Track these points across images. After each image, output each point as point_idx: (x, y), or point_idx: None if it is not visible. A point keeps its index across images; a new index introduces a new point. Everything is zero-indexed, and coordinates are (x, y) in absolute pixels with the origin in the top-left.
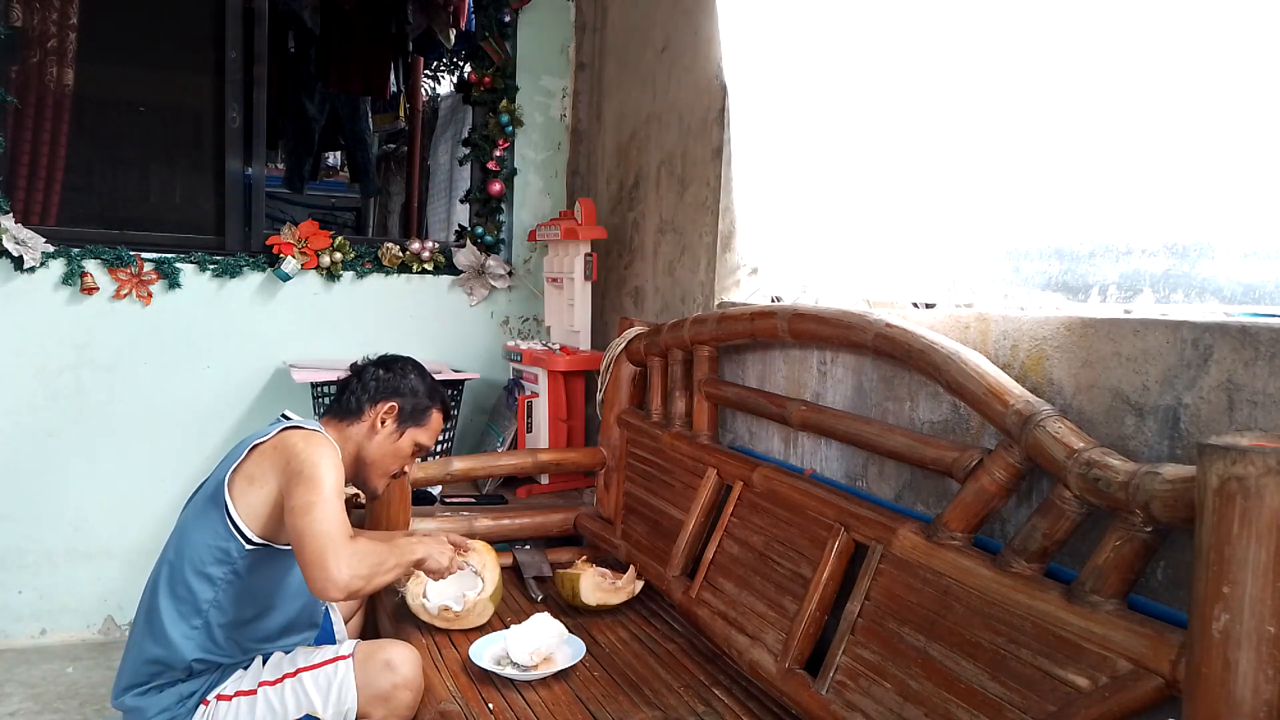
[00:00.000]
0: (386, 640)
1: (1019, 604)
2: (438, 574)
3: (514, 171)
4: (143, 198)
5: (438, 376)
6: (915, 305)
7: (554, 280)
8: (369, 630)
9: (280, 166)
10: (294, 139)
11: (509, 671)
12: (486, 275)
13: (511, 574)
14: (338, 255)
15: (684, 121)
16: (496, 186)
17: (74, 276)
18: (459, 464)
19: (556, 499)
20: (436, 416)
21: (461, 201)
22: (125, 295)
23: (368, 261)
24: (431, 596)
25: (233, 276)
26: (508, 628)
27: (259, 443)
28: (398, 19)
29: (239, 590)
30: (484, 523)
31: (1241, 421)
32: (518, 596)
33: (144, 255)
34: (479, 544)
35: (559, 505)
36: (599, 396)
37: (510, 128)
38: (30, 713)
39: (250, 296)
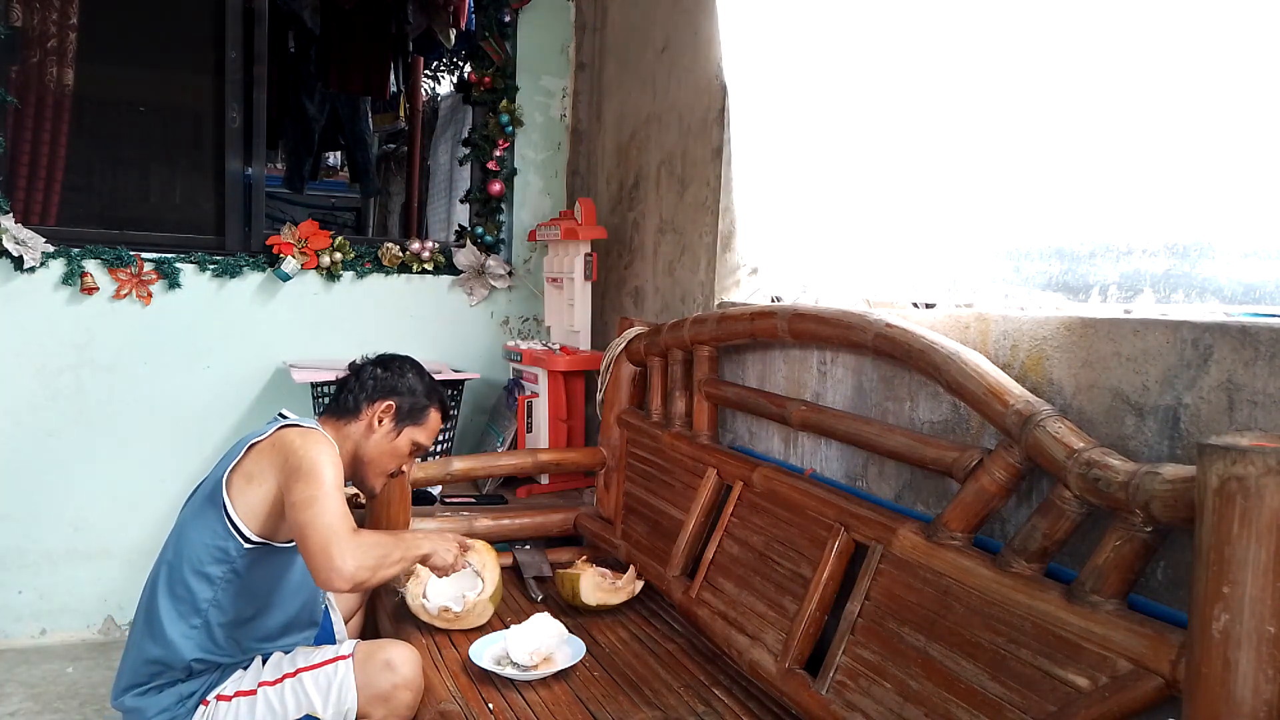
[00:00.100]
0: (386, 640)
1: (1019, 604)
2: (442, 571)
3: (514, 171)
4: (143, 198)
5: (438, 376)
6: (915, 305)
7: (554, 280)
8: (369, 630)
9: (280, 166)
10: (294, 139)
11: (509, 671)
12: (486, 275)
13: (511, 574)
14: (338, 255)
15: (684, 121)
16: (496, 186)
17: (74, 276)
18: (459, 464)
19: (556, 499)
20: (435, 416)
21: (461, 201)
22: (125, 295)
23: (368, 261)
24: (431, 597)
25: (233, 276)
26: (508, 628)
27: (256, 441)
28: (398, 19)
29: (238, 589)
30: (484, 523)
31: (1241, 421)
32: (518, 596)
33: (144, 255)
34: (479, 544)
35: (559, 505)
36: (599, 396)
37: (510, 128)
38: (30, 713)
39: (250, 296)
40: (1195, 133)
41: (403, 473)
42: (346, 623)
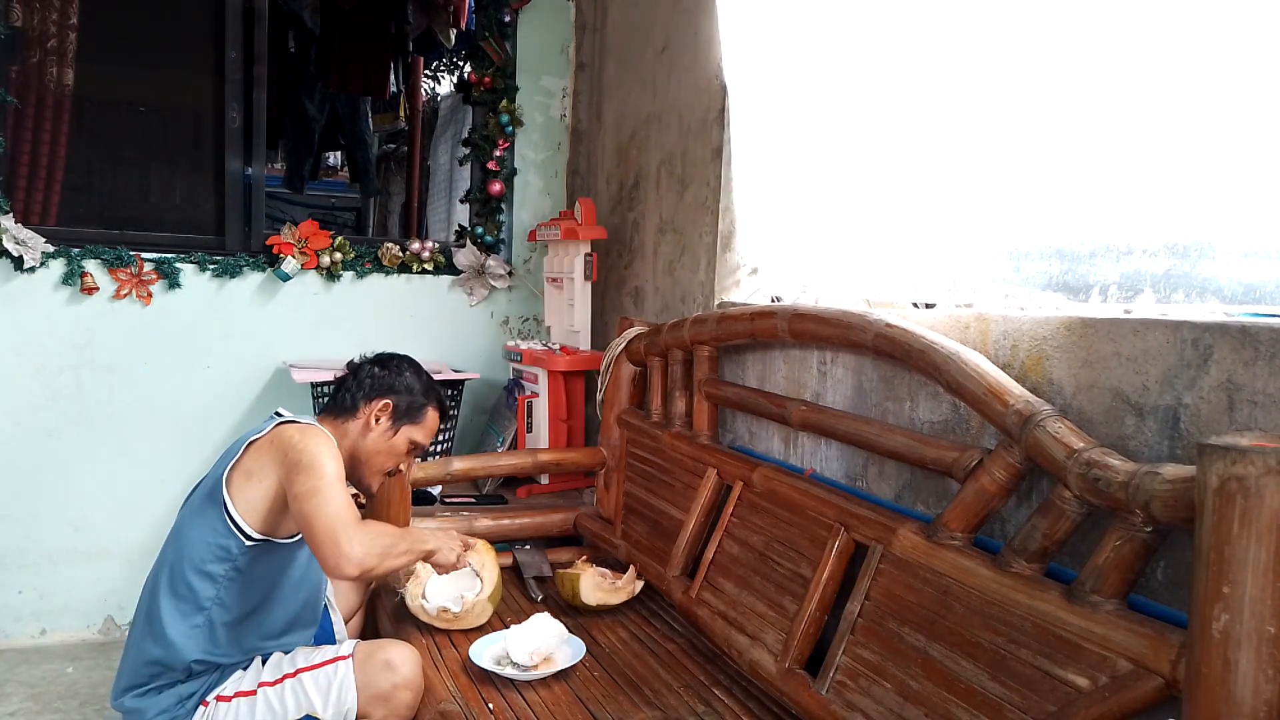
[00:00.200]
0: (386, 640)
1: (1019, 604)
2: (445, 569)
3: (514, 171)
4: (143, 198)
5: (438, 376)
6: (915, 305)
7: (554, 280)
8: (369, 630)
9: (280, 166)
10: (294, 139)
11: (509, 671)
12: (486, 275)
13: (511, 574)
14: (338, 255)
15: (684, 121)
16: (496, 186)
17: (74, 276)
18: (459, 464)
19: (556, 499)
20: (432, 415)
21: (461, 201)
22: (125, 295)
23: (368, 261)
24: (430, 597)
25: (233, 276)
26: (508, 628)
27: (255, 439)
28: (398, 19)
29: (241, 586)
30: (484, 523)
31: (1241, 421)
32: (518, 596)
33: (144, 255)
34: (479, 543)
35: (559, 505)
36: (599, 396)
37: (510, 128)
38: (30, 713)
39: (250, 296)
40: (1195, 133)
41: (400, 472)
42: (346, 623)
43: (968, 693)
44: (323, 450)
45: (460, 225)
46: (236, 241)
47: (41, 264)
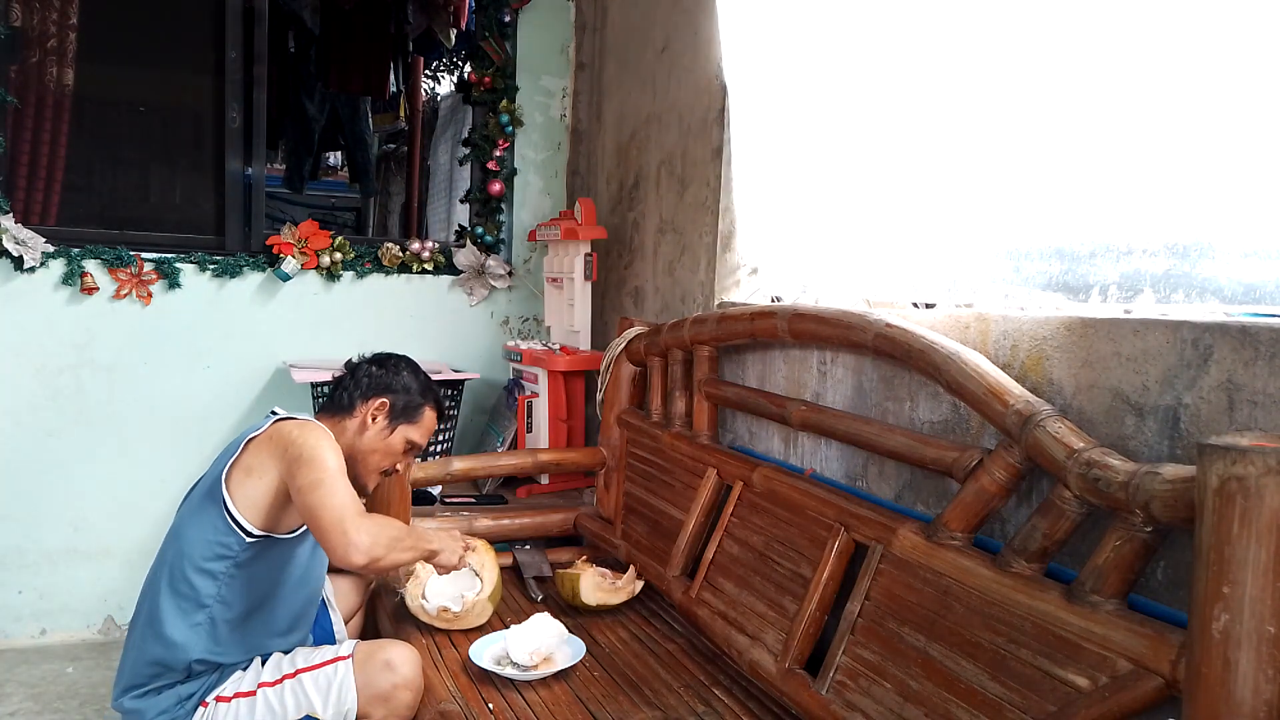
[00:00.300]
0: (386, 640)
1: (1019, 604)
2: (446, 569)
3: (514, 171)
4: (143, 198)
5: (438, 376)
6: (915, 305)
7: (554, 280)
8: (369, 630)
9: (280, 166)
10: (294, 139)
11: (509, 671)
12: (486, 275)
13: (511, 574)
14: (338, 255)
15: (684, 121)
16: (496, 186)
17: (74, 276)
18: (459, 464)
19: (556, 499)
20: (429, 415)
21: (461, 201)
22: (125, 295)
23: (368, 261)
24: (430, 598)
25: (233, 276)
26: (508, 628)
27: (254, 436)
28: (398, 19)
29: (242, 583)
30: (484, 523)
31: (1241, 421)
32: (518, 596)
33: (144, 255)
34: (479, 543)
35: (559, 505)
36: (599, 396)
37: (510, 128)
38: (30, 713)
39: (250, 296)
40: (1195, 133)
41: (397, 471)
42: (346, 623)
43: (968, 693)
44: (323, 443)
45: (460, 225)
46: (236, 241)
47: (41, 264)
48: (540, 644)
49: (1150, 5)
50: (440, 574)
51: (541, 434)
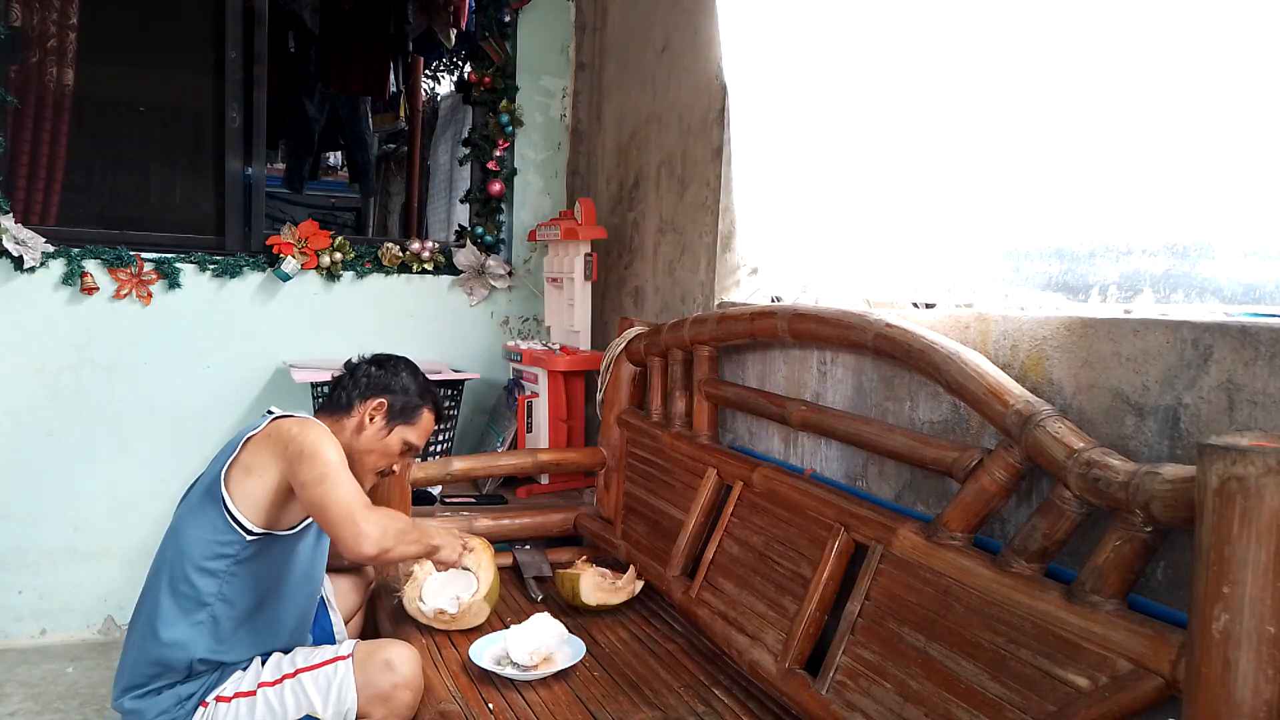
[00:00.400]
0: (386, 640)
1: (1019, 604)
2: (446, 566)
3: (514, 171)
4: (143, 198)
5: (438, 376)
6: (915, 305)
7: (554, 280)
8: (369, 630)
9: (280, 166)
10: (294, 139)
11: (509, 671)
12: (486, 275)
13: (511, 574)
14: (338, 255)
15: (684, 121)
16: (496, 186)
17: (74, 276)
18: (459, 464)
19: (556, 499)
20: (427, 416)
21: (461, 201)
22: (125, 295)
23: (368, 261)
24: (427, 599)
25: (233, 276)
26: (507, 628)
27: (252, 434)
28: (398, 19)
29: (243, 581)
30: (484, 523)
31: (1241, 421)
32: (518, 596)
33: (144, 255)
34: (477, 543)
35: (559, 505)
36: (599, 396)
37: (510, 128)
38: (30, 713)
39: (250, 296)
40: (1195, 133)
41: (393, 472)
42: (346, 623)
43: (968, 693)
44: (323, 439)
45: (460, 225)
46: (236, 241)
47: (41, 264)
48: (540, 644)
49: (1150, 5)
50: (440, 570)
51: (541, 434)
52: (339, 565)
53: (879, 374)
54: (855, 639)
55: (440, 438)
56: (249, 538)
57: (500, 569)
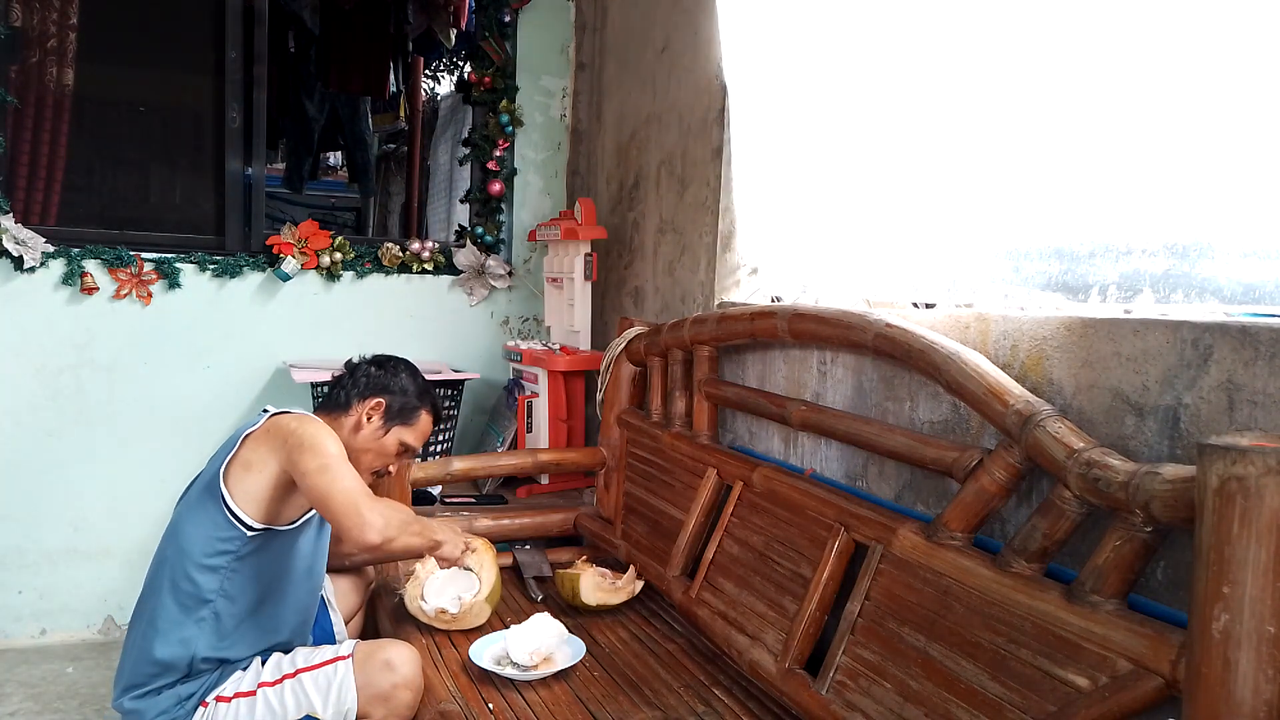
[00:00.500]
0: (386, 640)
1: (1019, 604)
2: (448, 563)
3: (514, 171)
4: (143, 198)
5: (438, 376)
6: (915, 305)
7: (554, 280)
8: (369, 630)
9: (280, 166)
10: (294, 139)
11: (509, 671)
12: (486, 275)
13: (511, 574)
14: (338, 255)
15: (684, 121)
16: (496, 186)
17: (74, 276)
18: (459, 464)
19: (556, 499)
20: (425, 418)
21: (461, 201)
22: (125, 295)
23: (368, 261)
24: (428, 598)
25: (233, 276)
26: (508, 628)
27: (250, 431)
28: (398, 19)
29: (244, 577)
30: (484, 523)
31: (1241, 421)
32: (518, 596)
33: (144, 255)
34: (480, 543)
35: (559, 505)
36: (599, 396)
37: (510, 128)
38: (30, 713)
39: (250, 296)
40: (1195, 133)
41: (389, 473)
42: (347, 623)
43: (968, 693)
44: (322, 432)
45: (460, 225)
46: (236, 241)
47: (41, 264)
48: (540, 644)
49: (1149, 5)
50: (443, 567)
51: (541, 434)
52: (339, 566)
53: (879, 374)
54: (855, 639)
55: (440, 438)
56: (249, 534)
57: (500, 569)
